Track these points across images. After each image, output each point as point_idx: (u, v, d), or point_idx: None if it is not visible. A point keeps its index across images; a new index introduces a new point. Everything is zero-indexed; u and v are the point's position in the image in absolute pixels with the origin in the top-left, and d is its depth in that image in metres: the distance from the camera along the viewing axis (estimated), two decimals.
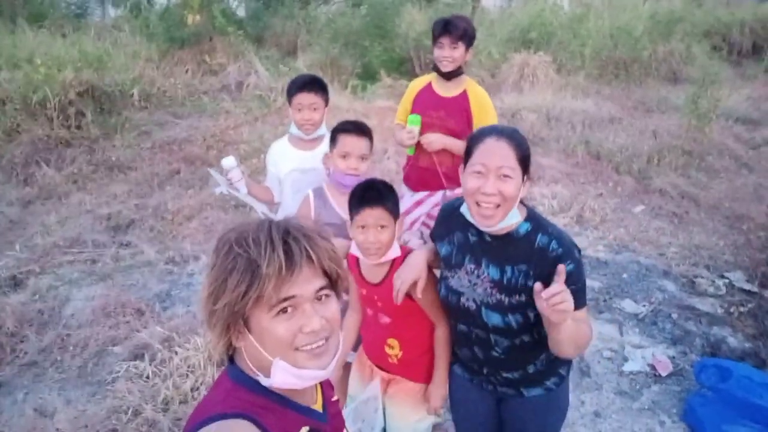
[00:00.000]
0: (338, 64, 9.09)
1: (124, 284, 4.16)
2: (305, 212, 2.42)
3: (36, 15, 10.11)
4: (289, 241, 0.98)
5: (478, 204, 1.60)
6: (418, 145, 3.07)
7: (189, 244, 4.78)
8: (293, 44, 10.42)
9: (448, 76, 3.00)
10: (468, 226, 1.73)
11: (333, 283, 1.05)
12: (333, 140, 2.33)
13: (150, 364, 3.22)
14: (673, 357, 3.46)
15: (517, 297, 1.65)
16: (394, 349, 2.07)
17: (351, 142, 2.29)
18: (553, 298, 1.41)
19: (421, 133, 3.02)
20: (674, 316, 3.88)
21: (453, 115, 3.01)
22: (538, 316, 1.58)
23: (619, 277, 4.34)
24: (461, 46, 2.91)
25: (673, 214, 5.36)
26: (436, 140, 2.99)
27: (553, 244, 1.62)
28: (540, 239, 1.64)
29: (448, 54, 2.91)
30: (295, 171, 2.71)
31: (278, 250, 0.96)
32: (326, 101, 2.69)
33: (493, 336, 1.73)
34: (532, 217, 1.69)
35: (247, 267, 0.95)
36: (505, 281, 1.66)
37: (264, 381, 1.03)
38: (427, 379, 2.10)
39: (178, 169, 6.21)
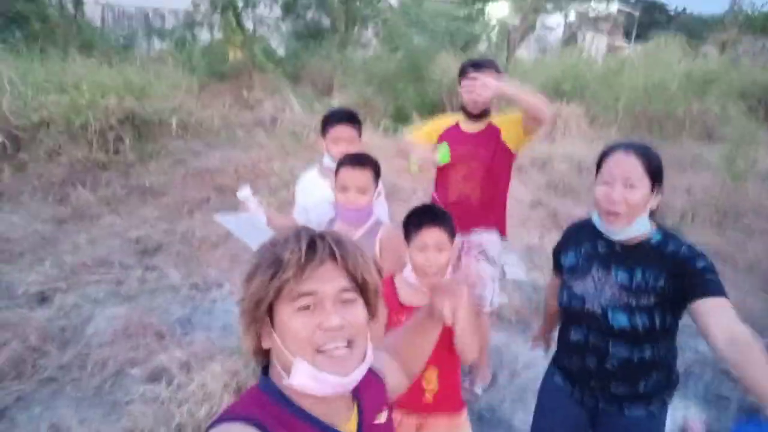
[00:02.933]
0: (371, 105, 9.27)
1: (147, 307, 4.17)
2: None
3: (86, 45, 10.51)
4: (315, 239, 1.01)
5: (606, 211, 1.67)
6: (444, 178, 3.04)
7: (213, 271, 4.79)
8: (329, 84, 10.67)
9: (476, 118, 3.00)
10: (597, 237, 1.78)
11: (360, 289, 1.04)
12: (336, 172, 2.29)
13: (167, 388, 3.18)
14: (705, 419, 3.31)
15: (646, 298, 1.65)
16: (431, 384, 1.93)
17: (349, 175, 2.23)
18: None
19: (450, 168, 2.99)
20: (707, 377, 3.73)
21: (483, 145, 2.98)
22: (663, 325, 1.62)
23: None
24: None
25: None
26: (493, 85, 2.68)
27: (683, 249, 1.65)
28: (670, 246, 1.68)
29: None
30: (326, 202, 2.69)
31: (301, 243, 0.99)
32: (360, 135, 2.72)
33: (613, 345, 1.70)
34: (662, 229, 1.74)
35: (272, 259, 0.99)
36: (634, 284, 1.67)
37: (286, 381, 1.01)
38: (463, 405, 1.99)
39: (208, 197, 6.28)
